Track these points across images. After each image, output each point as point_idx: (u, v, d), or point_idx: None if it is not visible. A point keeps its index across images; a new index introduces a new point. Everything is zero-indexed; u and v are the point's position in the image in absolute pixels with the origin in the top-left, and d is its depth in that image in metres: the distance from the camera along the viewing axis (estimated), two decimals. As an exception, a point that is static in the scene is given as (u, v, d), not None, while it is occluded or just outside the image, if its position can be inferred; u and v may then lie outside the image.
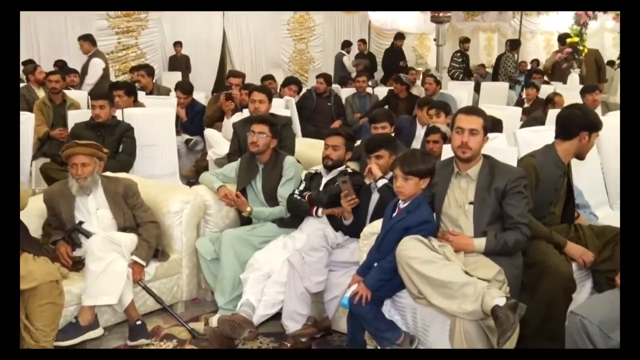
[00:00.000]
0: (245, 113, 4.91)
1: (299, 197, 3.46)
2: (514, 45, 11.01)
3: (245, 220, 3.65)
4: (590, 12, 8.38)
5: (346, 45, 12.04)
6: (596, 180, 3.95)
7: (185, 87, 6.31)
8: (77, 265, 3.15)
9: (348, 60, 11.73)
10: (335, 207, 3.28)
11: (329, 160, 3.46)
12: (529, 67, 11.92)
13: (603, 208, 3.84)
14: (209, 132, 5.59)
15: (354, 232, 3.17)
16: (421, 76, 10.21)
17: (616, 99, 7.60)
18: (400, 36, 11.73)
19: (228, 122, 5.19)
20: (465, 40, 11.28)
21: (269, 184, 3.62)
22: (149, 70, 6.87)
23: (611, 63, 11.05)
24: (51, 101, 5.64)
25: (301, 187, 3.54)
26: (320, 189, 3.46)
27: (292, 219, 3.52)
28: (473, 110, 2.85)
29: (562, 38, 9.04)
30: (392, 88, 7.39)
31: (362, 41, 13.00)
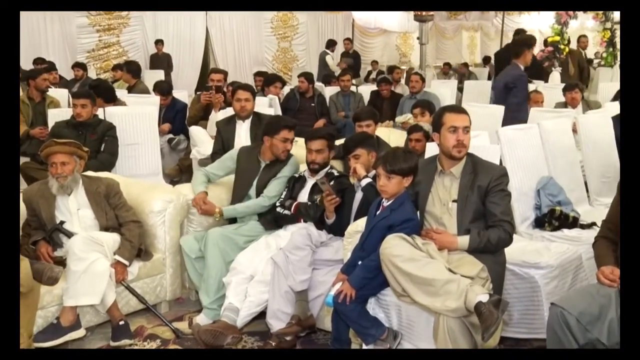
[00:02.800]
0: (230, 111, 4.89)
1: (282, 211, 3.42)
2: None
3: (231, 218, 3.62)
4: (570, 12, 8.47)
5: (330, 44, 12.03)
6: (576, 178, 4.00)
7: (163, 88, 6.19)
8: (59, 265, 3.10)
9: (331, 59, 11.72)
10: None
11: (315, 165, 3.42)
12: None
13: (583, 204, 3.89)
14: (194, 130, 5.53)
15: (337, 230, 3.17)
16: (405, 74, 10.26)
17: (596, 97, 7.70)
18: (520, 32, 11.11)
19: (215, 117, 5.14)
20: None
21: (264, 180, 3.58)
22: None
23: (589, 62, 11.16)
24: (30, 99, 5.54)
25: (283, 195, 3.50)
26: (306, 193, 3.44)
27: (276, 219, 3.48)
28: (460, 108, 2.86)
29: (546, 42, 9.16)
30: (375, 89, 7.42)
31: (349, 40, 13.02)
